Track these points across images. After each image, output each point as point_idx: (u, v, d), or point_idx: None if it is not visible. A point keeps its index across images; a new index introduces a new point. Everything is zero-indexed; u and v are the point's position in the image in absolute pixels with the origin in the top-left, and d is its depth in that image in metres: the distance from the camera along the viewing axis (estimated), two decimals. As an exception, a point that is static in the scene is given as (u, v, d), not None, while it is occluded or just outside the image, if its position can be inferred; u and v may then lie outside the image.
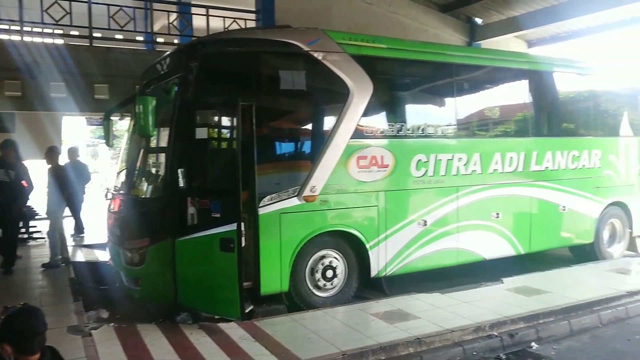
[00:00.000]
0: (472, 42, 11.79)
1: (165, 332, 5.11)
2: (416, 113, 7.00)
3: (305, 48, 5.97)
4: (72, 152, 9.29)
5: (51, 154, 7.68)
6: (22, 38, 9.18)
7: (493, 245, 7.30)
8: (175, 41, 11.70)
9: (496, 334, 5.25)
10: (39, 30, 9.55)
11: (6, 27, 9.85)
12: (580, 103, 8.45)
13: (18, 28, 9.12)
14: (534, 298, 6.17)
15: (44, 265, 7.53)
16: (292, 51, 5.97)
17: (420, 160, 6.64)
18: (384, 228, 6.41)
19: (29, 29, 9.50)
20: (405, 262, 6.61)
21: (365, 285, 6.57)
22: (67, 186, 7.65)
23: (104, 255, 8.05)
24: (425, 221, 6.69)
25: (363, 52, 6.34)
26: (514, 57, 8.31)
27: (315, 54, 6.00)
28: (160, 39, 11.65)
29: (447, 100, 7.14)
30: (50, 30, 9.50)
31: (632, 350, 5.14)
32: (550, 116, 8.17)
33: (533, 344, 5.25)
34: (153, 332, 5.11)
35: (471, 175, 7.03)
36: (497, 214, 7.25)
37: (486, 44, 11.50)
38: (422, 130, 6.73)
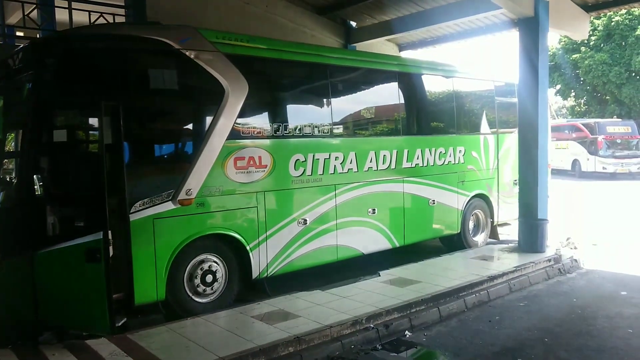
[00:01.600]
0: (348, 45, 12.15)
1: (22, 356, 4.63)
2: (293, 113, 7.05)
3: (177, 46, 5.75)
4: None
5: None
6: None
7: (370, 240, 7.59)
8: (39, 36, 10.75)
9: (372, 326, 5.45)
10: None
11: None
12: (446, 103, 9.05)
13: None
14: (408, 288, 6.50)
15: None
16: (163, 49, 5.71)
17: (298, 159, 6.70)
18: (264, 229, 6.39)
19: None
20: (286, 261, 6.64)
21: (248, 287, 6.50)
22: None
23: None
24: (305, 220, 6.77)
25: (237, 52, 6.25)
26: (385, 59, 8.69)
27: (187, 53, 5.80)
28: (19, 33, 10.61)
29: (324, 100, 7.27)
30: None
31: (492, 330, 5.61)
32: (419, 116, 8.68)
33: (407, 332, 5.53)
34: (8, 358, 4.61)
35: (348, 174, 7.25)
36: (373, 209, 7.55)
37: (361, 46, 11.92)
38: (300, 130, 6.80)
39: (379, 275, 7.12)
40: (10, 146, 5.36)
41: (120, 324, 5.24)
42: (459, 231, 8.93)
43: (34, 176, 4.85)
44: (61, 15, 9.43)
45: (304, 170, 6.74)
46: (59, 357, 4.64)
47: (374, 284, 6.77)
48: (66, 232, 4.94)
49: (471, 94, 9.53)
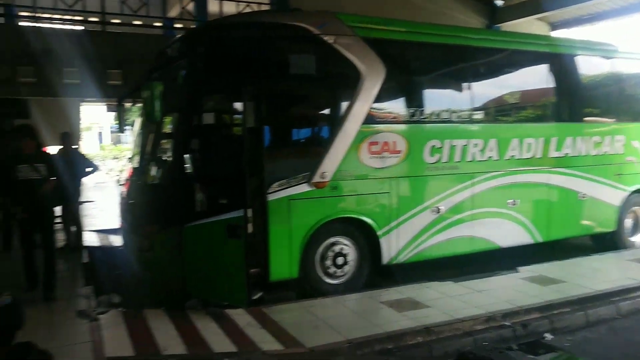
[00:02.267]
0: (492, 25, 11.46)
1: (172, 318, 5.11)
2: (431, 98, 6.81)
3: (315, 31, 5.85)
4: (64, 138, 7.73)
5: (63, 139, 7.64)
6: (35, 24, 9.28)
7: (509, 233, 7.12)
8: (192, 27, 11.69)
9: (509, 324, 5.12)
10: (52, 15, 9.59)
11: (23, 13, 9.98)
12: (604, 87, 8.15)
13: (32, 14, 9.24)
14: (550, 288, 6.01)
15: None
16: (302, 35, 5.85)
17: (434, 146, 6.48)
18: (395, 215, 6.30)
19: (45, 15, 9.56)
20: (417, 249, 6.49)
21: (377, 273, 6.49)
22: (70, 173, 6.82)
23: (117, 241, 8.12)
24: (439, 208, 6.55)
25: (375, 35, 6.19)
26: (535, 40, 8.06)
27: (325, 38, 5.87)
28: (178, 25, 11.62)
29: (463, 84, 6.93)
30: (62, 16, 9.52)
31: (650, 343, 4.97)
32: (572, 101, 7.89)
33: (547, 334, 5.10)
34: (160, 318, 5.12)
35: (487, 162, 6.85)
36: (514, 201, 7.07)
37: (506, 27, 11.17)
38: (437, 115, 6.57)
39: (517, 271, 6.66)
40: (167, 129, 5.89)
41: (256, 298, 5.53)
42: (613, 229, 8.02)
43: (186, 156, 5.28)
44: (213, 7, 10.15)
45: (440, 157, 6.51)
46: (203, 322, 5.04)
47: (511, 280, 6.36)
48: (211, 209, 5.32)
49: (634, 76, 8.45)
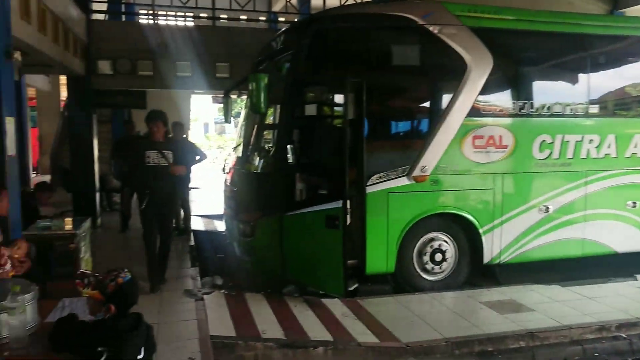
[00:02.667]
0: (614, 11, 10.53)
1: (271, 303, 5.28)
2: (542, 90, 6.40)
3: (420, 21, 5.71)
4: (176, 127, 8.00)
5: (174, 129, 8.09)
6: (153, 21, 9.95)
7: (628, 237, 6.52)
8: (295, 20, 11.93)
9: (624, 335, 4.73)
10: (167, 12, 10.20)
11: (143, 11, 10.75)
12: None
13: (150, 12, 9.92)
14: (675, 300, 5.45)
15: None
16: (406, 25, 5.74)
17: (544, 141, 6.10)
18: (499, 213, 6.01)
19: (161, 12, 10.22)
20: (522, 250, 6.16)
21: (477, 271, 6.25)
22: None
23: (221, 226, 8.52)
24: (547, 207, 6.16)
25: (483, 25, 5.92)
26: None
27: (430, 28, 5.72)
28: (281, 18, 11.91)
29: (578, 75, 6.44)
30: (178, 13, 10.10)
31: None
32: None
33: (669, 351, 4.65)
34: (260, 302, 5.31)
35: (604, 159, 6.32)
36: (634, 202, 6.47)
37: (632, 11, 10.20)
38: (548, 108, 6.17)
39: (636, 279, 6.11)
40: (270, 119, 6.06)
41: (351, 289, 5.55)
42: None
43: (288, 146, 5.41)
44: (315, 0, 10.28)
45: (550, 152, 6.11)
46: (299, 308, 5.15)
47: (627, 288, 5.85)
48: (310, 199, 5.41)
49: None
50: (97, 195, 8.97)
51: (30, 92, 15.19)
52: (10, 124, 4.42)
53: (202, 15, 11.63)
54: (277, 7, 13.43)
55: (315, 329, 4.62)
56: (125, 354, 2.21)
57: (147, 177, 5.36)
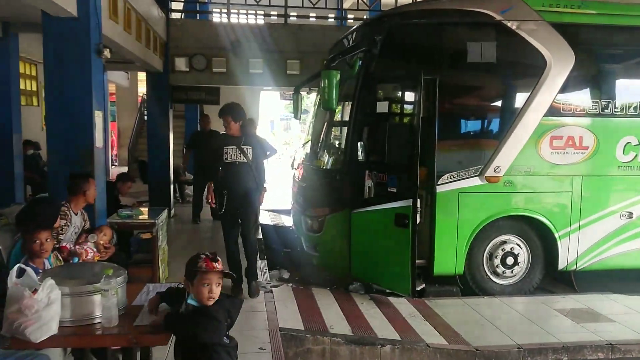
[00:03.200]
0: None
1: (337, 298, 5.32)
2: (628, 88, 6.04)
3: (498, 17, 5.54)
4: (247, 123, 7.27)
5: (243, 125, 8.26)
6: (228, 19, 10.24)
7: None
8: (365, 17, 11.88)
9: None
10: (240, 11, 10.43)
11: (217, 10, 11.09)
12: None
13: (224, 10, 10.22)
14: None
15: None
16: (482, 21, 5.59)
17: (629, 142, 5.76)
18: (577, 217, 5.74)
19: (234, 11, 10.49)
20: (601, 257, 5.84)
21: (550, 277, 6.01)
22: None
23: (288, 221, 8.66)
24: (631, 213, 5.81)
25: (565, 20, 5.66)
26: None
27: (509, 24, 5.53)
28: (350, 15, 11.91)
29: (672, 73, 6.02)
30: (250, 11, 10.32)
31: None
32: None
33: None
34: (327, 297, 5.35)
35: (699, 164, 5.89)
36: None
37: None
38: (635, 108, 5.82)
39: None
40: (341, 116, 6.08)
41: (418, 289, 5.49)
42: None
43: (359, 143, 5.41)
44: (387, -1, 10.20)
45: (636, 155, 5.76)
46: (366, 306, 5.16)
47: None
48: (380, 196, 5.38)
49: None
50: (172, 187, 9.35)
51: (111, 87, 16.06)
52: (98, 117, 4.70)
53: (272, 13, 11.85)
54: (347, 5, 13.45)
55: (382, 327, 4.60)
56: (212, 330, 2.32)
57: (225, 175, 5.07)
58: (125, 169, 13.20)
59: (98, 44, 4.62)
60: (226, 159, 5.08)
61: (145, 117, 16.87)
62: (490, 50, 5.65)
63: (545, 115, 5.59)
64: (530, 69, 5.70)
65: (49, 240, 2.99)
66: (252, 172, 5.15)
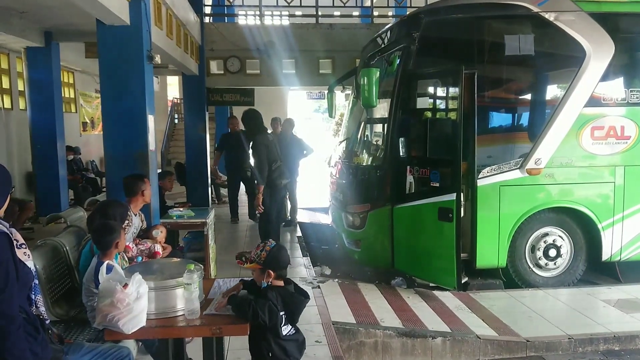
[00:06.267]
0: None
1: (383, 293, 5.40)
2: (669, 76, 5.99)
3: (535, 9, 5.54)
4: (285, 123, 8.36)
5: (275, 123, 8.41)
6: (261, 21, 10.41)
7: None
8: (390, 13, 11.91)
9: None
10: (271, 12, 10.58)
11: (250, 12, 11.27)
12: None
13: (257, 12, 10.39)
14: None
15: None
16: (520, 13, 5.61)
17: (673, 131, 5.71)
18: (620, 207, 5.71)
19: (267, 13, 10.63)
20: (646, 247, 5.81)
21: (593, 269, 5.99)
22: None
23: (325, 218, 8.77)
24: (675, 202, 5.76)
25: (604, 9, 5.65)
26: None
27: (547, 15, 5.53)
28: (375, 13, 11.95)
29: None
30: (277, 13, 10.45)
31: None
32: None
33: None
34: (372, 291, 5.44)
35: None
36: None
37: None
38: (677, 97, 5.76)
39: None
40: (379, 113, 6.15)
41: (462, 282, 5.53)
42: None
43: (400, 139, 5.48)
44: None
45: (679, 144, 5.71)
46: (413, 300, 5.23)
47: None
48: (421, 191, 5.45)
49: None
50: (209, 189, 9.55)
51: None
52: (150, 121, 4.87)
53: (296, 13, 11.95)
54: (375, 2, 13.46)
55: (431, 320, 4.67)
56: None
57: (271, 174, 5.68)
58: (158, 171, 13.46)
59: (149, 51, 4.79)
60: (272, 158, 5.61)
61: (176, 121, 17.26)
62: (528, 42, 5.66)
63: (585, 106, 5.58)
64: (569, 59, 5.69)
65: (122, 239, 3.15)
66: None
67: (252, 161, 6.19)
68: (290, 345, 2.61)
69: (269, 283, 2.56)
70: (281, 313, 2.53)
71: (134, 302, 2.28)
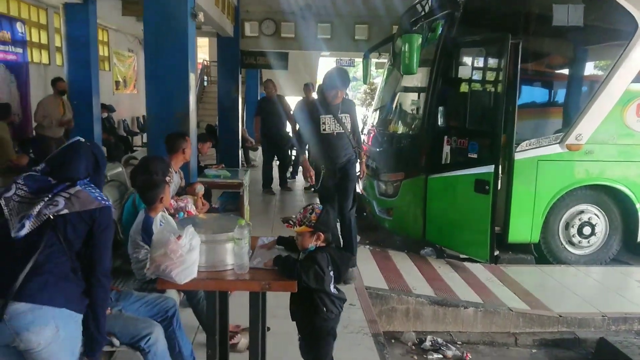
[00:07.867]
0: None
1: (414, 262, 5.42)
2: None
3: (586, -22, 5.33)
4: (307, 89, 8.06)
5: (307, 89, 8.30)
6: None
7: None
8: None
9: None
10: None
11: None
12: None
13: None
14: None
15: (305, 188, 8.54)
16: (569, -17, 5.40)
17: None
18: (660, 188, 5.59)
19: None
20: (684, 229, 5.69)
21: (628, 250, 5.91)
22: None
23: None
24: None
25: (660, -20, 5.40)
26: None
27: (598, -15, 5.33)
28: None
29: None
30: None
31: None
32: None
33: None
34: (404, 260, 5.47)
35: None
36: None
37: None
38: None
39: None
40: (418, 81, 6.05)
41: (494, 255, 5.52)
42: None
43: (439, 108, 5.40)
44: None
45: None
46: (444, 270, 5.24)
47: None
48: (458, 162, 5.39)
49: None
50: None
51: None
52: (192, 80, 4.87)
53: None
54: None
55: (463, 290, 4.69)
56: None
57: (323, 147, 4.53)
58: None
59: (193, 8, 4.75)
60: (324, 129, 4.45)
61: (205, 84, 17.24)
62: (577, 13, 5.45)
63: (632, 82, 5.41)
64: (618, 33, 5.49)
65: (167, 194, 3.20)
66: (350, 143, 4.55)
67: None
68: (338, 302, 2.66)
69: (317, 245, 2.58)
70: (331, 273, 2.55)
71: (187, 254, 2.32)
